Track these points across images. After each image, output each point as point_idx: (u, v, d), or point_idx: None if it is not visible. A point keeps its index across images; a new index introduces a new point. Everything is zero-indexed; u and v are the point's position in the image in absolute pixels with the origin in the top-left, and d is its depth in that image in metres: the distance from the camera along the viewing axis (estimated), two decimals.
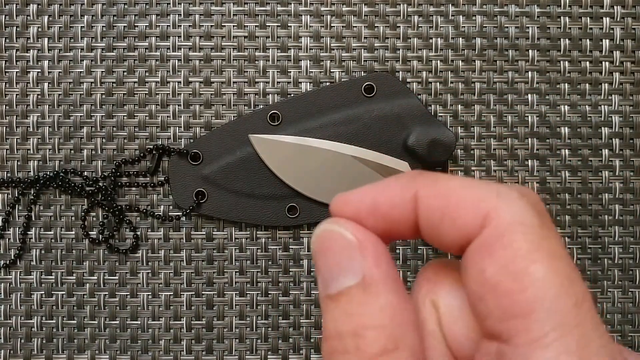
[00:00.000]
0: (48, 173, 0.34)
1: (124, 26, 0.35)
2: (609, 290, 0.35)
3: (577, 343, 0.14)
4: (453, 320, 0.17)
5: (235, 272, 0.35)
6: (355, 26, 0.35)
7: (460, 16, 0.35)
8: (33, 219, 0.35)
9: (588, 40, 0.35)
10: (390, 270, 0.16)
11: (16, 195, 0.35)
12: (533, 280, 0.14)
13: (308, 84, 0.35)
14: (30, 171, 0.35)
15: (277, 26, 0.35)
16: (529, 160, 0.35)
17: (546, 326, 0.14)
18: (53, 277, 0.35)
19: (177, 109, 0.35)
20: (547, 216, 0.16)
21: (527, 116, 0.35)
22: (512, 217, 0.15)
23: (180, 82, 0.35)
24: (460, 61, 0.35)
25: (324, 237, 0.16)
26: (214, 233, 0.35)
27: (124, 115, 0.35)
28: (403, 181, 0.16)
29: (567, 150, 0.35)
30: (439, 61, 0.35)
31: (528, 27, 0.35)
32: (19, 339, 0.35)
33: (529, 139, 0.35)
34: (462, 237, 0.15)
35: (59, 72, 0.35)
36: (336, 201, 0.17)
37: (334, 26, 0.35)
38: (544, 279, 0.14)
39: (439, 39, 0.35)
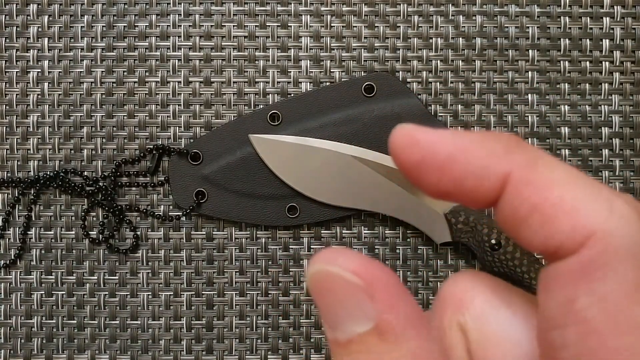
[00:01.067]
0: (48, 173, 0.34)
1: (124, 26, 0.35)
2: None
3: None
4: (485, 348, 0.15)
5: (235, 272, 0.35)
6: (355, 26, 0.35)
7: (460, 16, 0.35)
8: (33, 219, 0.35)
9: (588, 40, 0.35)
10: (409, 310, 0.13)
11: (16, 195, 0.35)
12: (634, 327, 0.12)
13: (308, 84, 0.35)
14: (30, 171, 0.35)
15: (277, 26, 0.35)
16: None
17: None
18: (53, 277, 0.35)
19: (177, 109, 0.35)
20: None
21: (527, 116, 0.35)
22: (625, 246, 0.12)
23: (180, 82, 0.35)
24: (460, 61, 0.35)
25: (319, 280, 0.13)
26: (214, 233, 0.35)
27: (124, 115, 0.35)
28: (497, 149, 0.13)
29: (567, 150, 0.35)
30: (439, 61, 0.35)
31: (528, 27, 0.35)
32: (19, 339, 0.35)
33: (529, 139, 0.35)
34: (548, 244, 0.13)
35: (59, 72, 0.35)
36: (401, 138, 0.14)
37: (334, 26, 0.35)
38: None
39: (439, 39, 0.35)
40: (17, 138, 0.35)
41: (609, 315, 0.12)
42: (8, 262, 0.35)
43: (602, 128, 0.35)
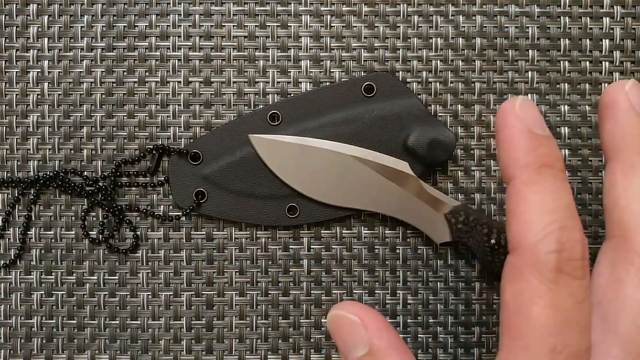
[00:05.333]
0: (48, 173, 0.34)
1: (124, 26, 0.35)
2: None
3: None
4: None
5: (235, 272, 0.35)
6: (355, 26, 0.35)
7: (460, 16, 0.35)
8: (33, 219, 0.35)
9: (588, 40, 0.35)
10: (391, 338, 0.20)
11: (16, 195, 0.35)
12: None
13: (308, 84, 0.35)
14: (30, 171, 0.35)
15: (277, 26, 0.35)
16: None
17: None
18: (53, 277, 0.35)
19: (177, 109, 0.35)
20: None
21: None
22: None
23: (180, 82, 0.35)
24: (460, 61, 0.35)
25: (334, 321, 0.21)
26: (214, 233, 0.35)
27: (124, 115, 0.35)
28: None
29: (567, 150, 0.35)
30: (439, 61, 0.35)
31: (528, 27, 0.35)
32: (19, 339, 0.35)
33: None
34: None
35: (59, 72, 0.35)
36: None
37: (334, 26, 0.35)
38: None
39: (439, 39, 0.35)
40: (17, 138, 0.35)
41: None
42: (8, 262, 0.35)
43: None
